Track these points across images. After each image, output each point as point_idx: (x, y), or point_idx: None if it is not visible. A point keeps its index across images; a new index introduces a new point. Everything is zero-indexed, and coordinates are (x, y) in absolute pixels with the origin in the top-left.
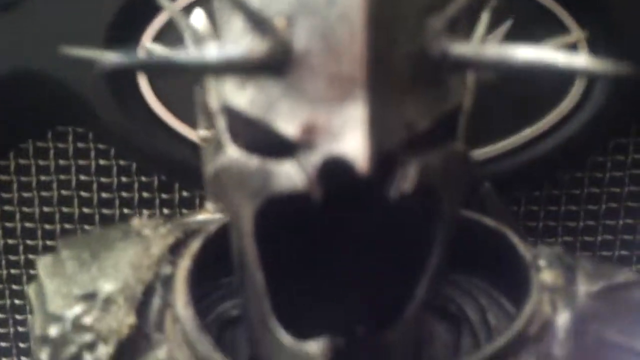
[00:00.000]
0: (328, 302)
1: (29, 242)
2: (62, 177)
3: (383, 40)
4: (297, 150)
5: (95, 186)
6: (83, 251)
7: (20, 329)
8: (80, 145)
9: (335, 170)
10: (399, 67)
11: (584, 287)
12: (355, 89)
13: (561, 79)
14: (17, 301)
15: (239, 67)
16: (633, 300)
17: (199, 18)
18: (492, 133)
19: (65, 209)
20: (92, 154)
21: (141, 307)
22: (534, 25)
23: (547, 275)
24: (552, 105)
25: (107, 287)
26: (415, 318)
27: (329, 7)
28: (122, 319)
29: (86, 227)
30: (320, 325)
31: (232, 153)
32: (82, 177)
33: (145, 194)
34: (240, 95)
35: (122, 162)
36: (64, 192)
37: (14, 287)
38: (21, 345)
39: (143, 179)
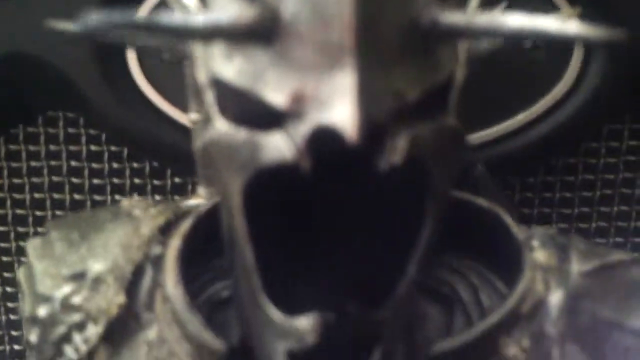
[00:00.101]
0: (318, 279)
1: (20, 229)
2: (52, 163)
3: (372, 7)
4: (286, 120)
5: (86, 172)
6: (72, 232)
7: (12, 316)
8: (71, 130)
9: (324, 140)
10: (388, 35)
11: (577, 266)
12: (343, 57)
13: (555, 63)
14: (8, 289)
15: (226, 34)
16: (626, 279)
17: None
18: (485, 118)
19: (56, 195)
20: (83, 139)
21: (131, 287)
22: (524, 4)
23: (540, 255)
24: (545, 90)
25: (96, 266)
26: (407, 296)
27: None
28: (112, 299)
29: None
30: (310, 302)
31: (221, 126)
32: (73, 163)
33: (136, 180)
34: (227, 66)
35: (113, 148)
36: (55, 178)
37: (5, 274)
38: (13, 333)
39: (135, 165)
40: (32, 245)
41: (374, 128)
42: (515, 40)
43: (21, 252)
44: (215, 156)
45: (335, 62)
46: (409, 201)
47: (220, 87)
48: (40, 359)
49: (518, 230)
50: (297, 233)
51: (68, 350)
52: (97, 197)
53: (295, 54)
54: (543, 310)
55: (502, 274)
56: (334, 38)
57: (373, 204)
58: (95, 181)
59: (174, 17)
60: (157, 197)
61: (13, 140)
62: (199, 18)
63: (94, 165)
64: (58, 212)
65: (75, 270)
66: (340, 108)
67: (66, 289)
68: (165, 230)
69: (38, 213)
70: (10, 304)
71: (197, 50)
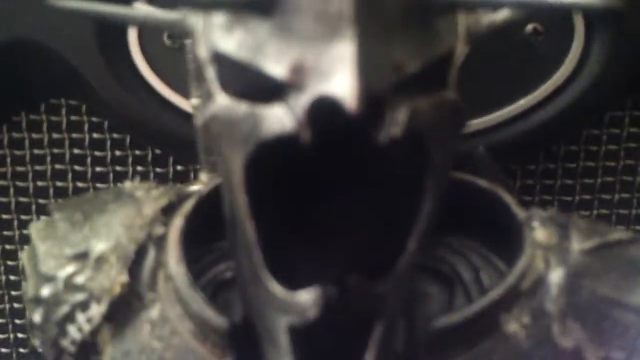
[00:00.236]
0: (319, 254)
1: (23, 217)
2: (55, 150)
3: None
4: (286, 92)
5: (89, 160)
6: (75, 213)
7: (16, 305)
8: (73, 118)
9: (324, 111)
10: (388, 6)
11: (577, 244)
12: (342, 27)
13: (556, 49)
14: (12, 277)
15: (226, 4)
16: (626, 257)
17: None
18: (486, 104)
19: (59, 183)
20: (86, 127)
21: (134, 267)
22: None
23: (540, 234)
24: (546, 76)
25: (99, 246)
26: (407, 271)
27: None
28: (115, 278)
29: None
30: (311, 278)
31: (222, 101)
32: (76, 151)
33: (139, 168)
34: (228, 39)
35: (115, 136)
36: (57, 166)
37: (9, 263)
38: (17, 321)
39: (137, 152)
40: (35, 227)
41: (374, 99)
42: (514, 9)
43: (24, 240)
44: (217, 131)
45: (335, 33)
46: (409, 176)
47: (221, 61)
48: (44, 339)
49: (518, 210)
50: (297, 208)
51: (71, 329)
52: (99, 185)
53: (295, 25)
54: (543, 287)
55: (503, 254)
56: (333, 8)
57: (373, 179)
58: (98, 169)
59: None
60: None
61: (16, 128)
62: None
63: (97, 153)
64: (61, 200)
65: (78, 250)
66: (339, 78)
67: (69, 268)
68: (168, 211)
69: (41, 201)
70: (13, 292)
71: (198, 25)
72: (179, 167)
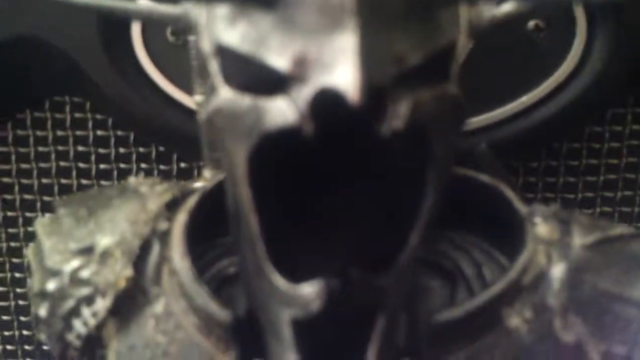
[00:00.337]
0: (322, 247)
1: (27, 214)
2: (60, 148)
3: None
4: (289, 84)
5: (93, 157)
6: (80, 208)
7: (20, 302)
8: (77, 115)
9: (326, 103)
10: None
11: (579, 239)
12: (344, 18)
13: (558, 46)
14: (17, 274)
15: None
16: (628, 252)
17: None
18: (488, 101)
19: (63, 181)
20: (90, 124)
21: (138, 261)
22: None
23: (542, 230)
24: (548, 73)
25: (104, 241)
26: (409, 264)
27: None
28: (120, 272)
29: None
30: (314, 271)
31: (225, 94)
32: (80, 148)
33: (143, 165)
34: (231, 32)
35: (119, 133)
36: (62, 164)
37: (14, 260)
38: (22, 318)
39: (141, 149)
40: (40, 223)
41: (376, 91)
42: (516, 3)
43: (30, 237)
44: (220, 124)
45: (337, 25)
46: (411, 169)
47: (225, 54)
48: (49, 333)
49: (520, 205)
50: (300, 201)
51: (77, 324)
52: (103, 182)
53: (297, 18)
54: (545, 282)
55: (505, 250)
56: (335, 0)
57: (375, 172)
58: (102, 166)
59: None
60: None
61: (20, 125)
62: None
63: (101, 150)
64: (65, 197)
65: (83, 245)
66: (341, 70)
67: (75, 263)
68: (172, 207)
69: (45, 198)
70: (19, 290)
71: (201, 18)
72: (182, 165)
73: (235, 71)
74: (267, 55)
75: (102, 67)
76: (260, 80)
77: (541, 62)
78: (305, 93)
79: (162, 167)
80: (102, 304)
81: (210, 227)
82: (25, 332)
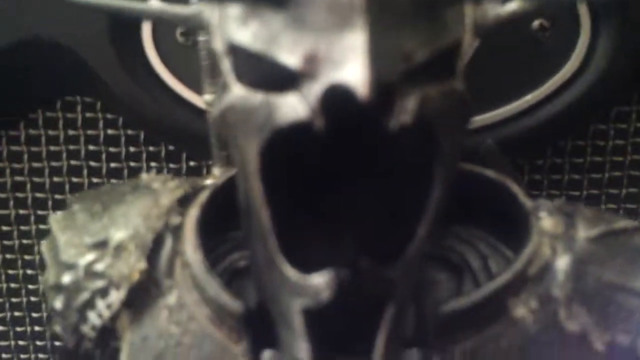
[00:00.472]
0: (332, 240)
1: (39, 212)
2: (71, 147)
3: None
4: (300, 81)
5: (104, 156)
6: (94, 204)
7: (32, 298)
8: (88, 115)
9: (337, 99)
10: None
11: (583, 232)
12: (354, 17)
13: (562, 44)
14: (29, 271)
15: None
16: (630, 245)
17: None
18: (493, 99)
19: (74, 179)
20: (101, 123)
21: (152, 255)
22: None
23: (547, 223)
24: (553, 71)
25: (118, 235)
26: (417, 257)
27: None
28: (134, 265)
29: None
30: (324, 264)
31: (238, 91)
32: (91, 147)
33: (152, 164)
34: (243, 31)
35: (130, 132)
36: (73, 162)
37: (26, 257)
38: (34, 315)
39: (151, 148)
40: (55, 219)
41: (384, 87)
42: (521, 1)
43: (41, 234)
44: (233, 121)
45: (346, 23)
46: (419, 164)
47: (237, 52)
48: (64, 325)
49: (526, 199)
50: (310, 195)
51: (91, 315)
52: (114, 181)
53: (308, 16)
54: (550, 273)
55: (511, 244)
56: None
57: (384, 167)
58: (113, 165)
59: None
60: None
61: (33, 125)
62: None
63: (111, 149)
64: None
65: (97, 239)
66: (351, 67)
67: (89, 256)
68: (184, 202)
69: (57, 196)
70: (31, 286)
71: (213, 18)
72: (191, 163)
73: (247, 69)
74: (278, 53)
75: (112, 67)
76: (272, 77)
77: (546, 61)
78: (316, 89)
79: (171, 165)
80: (116, 296)
81: (221, 222)
82: (37, 328)
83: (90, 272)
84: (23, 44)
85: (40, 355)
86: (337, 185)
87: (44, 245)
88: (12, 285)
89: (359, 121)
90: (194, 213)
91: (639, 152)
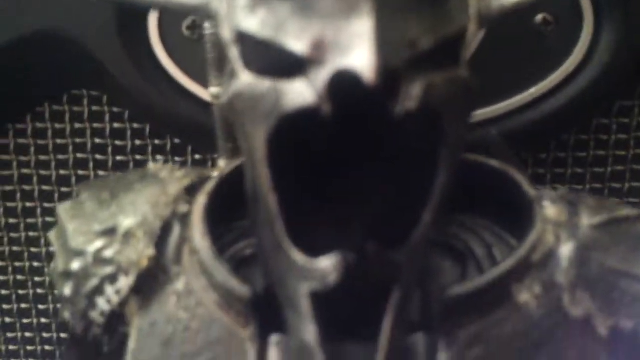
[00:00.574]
0: (338, 225)
1: (46, 204)
2: (77, 140)
3: None
4: (307, 67)
5: (110, 149)
6: (102, 192)
7: (39, 290)
8: (95, 108)
9: (344, 84)
10: None
11: (586, 220)
12: (360, 4)
13: (565, 38)
14: (35, 264)
15: None
16: (634, 232)
17: None
18: (496, 92)
19: (80, 172)
20: (107, 117)
21: (160, 242)
22: None
23: (550, 211)
24: (555, 65)
25: (126, 222)
26: (422, 242)
27: None
28: (142, 251)
29: None
30: (331, 248)
31: (245, 78)
32: (97, 140)
33: (158, 157)
34: (251, 19)
35: (135, 125)
36: (79, 155)
37: (33, 249)
38: (40, 306)
39: (156, 142)
40: (63, 208)
41: (390, 72)
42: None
43: (48, 227)
44: (240, 108)
45: (353, 10)
46: (424, 151)
47: (245, 40)
48: (73, 311)
49: (530, 188)
50: (317, 181)
51: (100, 301)
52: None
53: (315, 3)
54: (554, 260)
55: (515, 232)
56: None
57: (390, 153)
58: (119, 158)
59: None
60: None
61: (39, 118)
62: None
63: (117, 142)
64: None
65: (106, 226)
66: (358, 52)
67: (98, 243)
68: (191, 191)
69: (64, 189)
70: (37, 278)
71: (222, 8)
72: (197, 156)
73: (255, 56)
74: (286, 39)
75: (119, 60)
76: (279, 64)
77: (549, 55)
78: (323, 75)
79: (177, 158)
80: (125, 282)
81: (227, 212)
82: (43, 320)
83: (99, 259)
84: (30, 38)
85: (47, 347)
86: (344, 170)
87: (52, 235)
88: (19, 277)
89: (365, 107)
90: (201, 201)
91: None
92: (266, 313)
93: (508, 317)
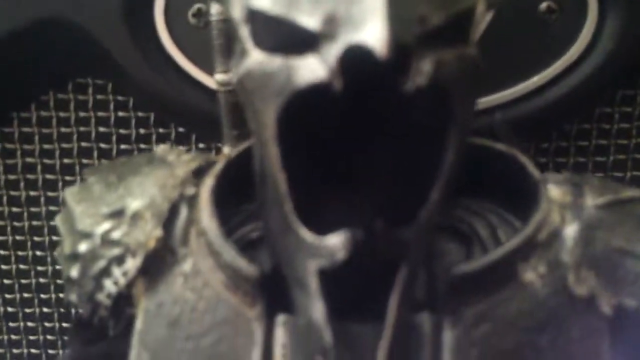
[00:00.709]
0: (347, 203)
1: (50, 193)
2: (82, 129)
3: None
4: (319, 43)
5: (114, 138)
6: (109, 175)
7: (41, 280)
8: (99, 97)
9: (355, 59)
10: None
11: (591, 200)
12: None
13: (569, 27)
14: (38, 253)
15: None
16: (637, 212)
17: None
18: (500, 80)
19: (85, 161)
20: (111, 105)
21: (167, 223)
22: None
23: (555, 192)
24: (559, 53)
25: (134, 204)
26: (430, 221)
27: None
28: (150, 233)
29: None
30: (339, 225)
31: (256, 57)
32: (102, 129)
33: (162, 146)
34: None
35: (140, 114)
36: (83, 144)
37: (36, 238)
38: (42, 296)
39: (160, 130)
40: (69, 192)
41: (402, 48)
42: None
43: (51, 216)
44: (251, 87)
45: None
46: (432, 129)
47: (256, 18)
48: (80, 293)
49: (534, 170)
50: (325, 160)
51: (107, 283)
52: None
53: None
54: (559, 240)
55: (520, 215)
56: None
57: (399, 132)
58: (123, 146)
59: None
60: None
61: (44, 106)
62: None
63: (122, 130)
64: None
65: (114, 208)
66: (370, 27)
67: (106, 225)
68: (198, 174)
69: (67, 178)
70: (40, 268)
71: None
72: (201, 145)
73: (266, 34)
74: (298, 15)
75: (125, 48)
76: (291, 40)
77: (553, 44)
78: (335, 50)
79: (181, 147)
80: (132, 264)
81: (233, 195)
82: (45, 310)
83: (106, 240)
84: (34, 25)
85: (49, 337)
86: (353, 150)
87: (58, 219)
88: (22, 266)
89: (376, 82)
90: (209, 183)
91: None
92: (273, 293)
93: (513, 296)
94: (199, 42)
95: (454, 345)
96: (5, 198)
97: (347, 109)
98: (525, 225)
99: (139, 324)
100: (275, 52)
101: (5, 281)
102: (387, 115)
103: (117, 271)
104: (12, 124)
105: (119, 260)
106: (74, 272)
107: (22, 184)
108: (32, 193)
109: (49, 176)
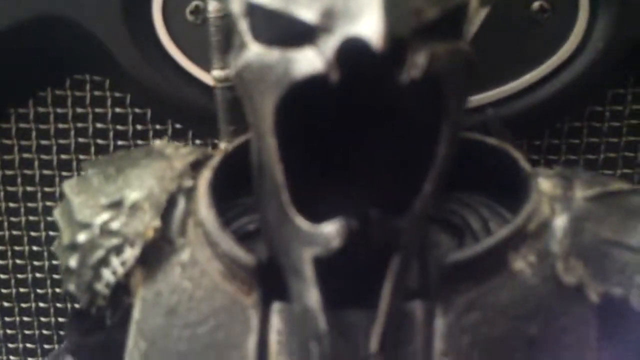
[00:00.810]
0: (342, 193)
1: (47, 189)
2: (79, 125)
3: None
4: (317, 36)
5: (111, 134)
6: (108, 168)
7: (38, 274)
8: (97, 93)
9: (352, 52)
10: None
11: (580, 192)
12: None
13: (560, 25)
14: (35, 248)
15: None
16: (625, 205)
17: None
18: (491, 79)
19: (82, 157)
20: (109, 102)
21: (165, 214)
22: None
23: (545, 185)
24: (550, 51)
25: (133, 195)
26: (423, 211)
27: None
28: (148, 223)
29: None
30: (334, 215)
31: (254, 49)
32: (99, 125)
33: (159, 142)
34: None
35: (137, 110)
36: (80, 140)
37: (32, 233)
38: (39, 291)
39: (157, 126)
40: (68, 184)
41: (397, 41)
42: None
43: (48, 212)
44: (249, 79)
45: None
46: (426, 122)
47: (254, 12)
48: (78, 283)
49: (525, 164)
50: (321, 151)
51: (106, 273)
52: None
53: None
54: (549, 231)
55: (511, 207)
56: None
57: (394, 124)
58: (120, 142)
59: None
60: None
61: (42, 102)
62: None
63: (119, 127)
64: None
65: (113, 199)
66: (366, 20)
67: (105, 215)
68: (196, 167)
69: (64, 173)
70: (36, 263)
71: None
72: (197, 141)
73: (264, 28)
74: (296, 9)
75: (122, 44)
76: (289, 33)
77: (544, 42)
78: (332, 42)
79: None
80: (130, 253)
81: (230, 188)
82: (41, 305)
83: (105, 231)
84: (32, 21)
85: (45, 332)
86: (349, 141)
87: (56, 211)
88: (18, 262)
89: (372, 74)
90: (206, 175)
91: (634, 134)
92: (269, 282)
93: (503, 285)
94: (197, 39)
95: (445, 332)
96: (2, 193)
97: (344, 101)
98: (516, 216)
99: (136, 313)
100: (273, 45)
101: (2, 276)
102: (383, 108)
103: (115, 261)
104: (9, 119)
105: (118, 250)
106: (73, 262)
107: (19, 180)
108: (29, 188)
109: (46, 172)
